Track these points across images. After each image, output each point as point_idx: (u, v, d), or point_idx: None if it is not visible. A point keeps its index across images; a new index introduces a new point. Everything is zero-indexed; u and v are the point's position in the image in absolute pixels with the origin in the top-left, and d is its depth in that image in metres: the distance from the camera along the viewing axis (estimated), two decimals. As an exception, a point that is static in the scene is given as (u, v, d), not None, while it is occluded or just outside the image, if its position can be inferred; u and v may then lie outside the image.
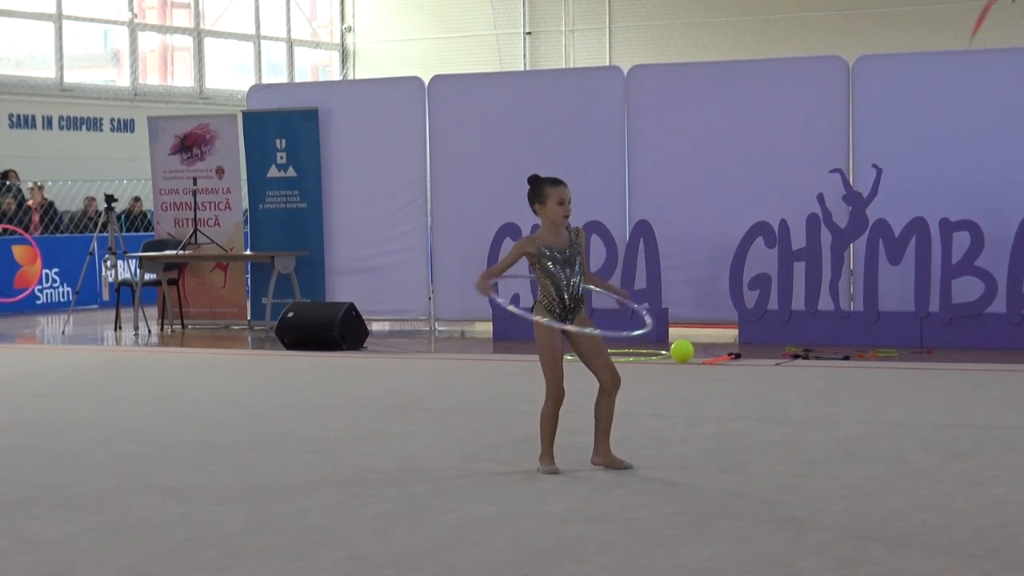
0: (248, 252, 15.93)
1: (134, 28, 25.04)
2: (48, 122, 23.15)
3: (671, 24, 27.61)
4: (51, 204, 20.99)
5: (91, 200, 21.17)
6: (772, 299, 13.18)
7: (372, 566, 5.63)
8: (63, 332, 16.32)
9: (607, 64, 25.52)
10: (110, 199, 15.97)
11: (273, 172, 15.70)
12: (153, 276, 16.05)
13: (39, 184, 20.84)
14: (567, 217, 7.23)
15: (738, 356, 12.07)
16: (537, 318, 7.23)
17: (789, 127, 13.72)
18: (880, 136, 13.39)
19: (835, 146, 13.55)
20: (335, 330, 13.37)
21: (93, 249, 16.73)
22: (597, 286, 7.69)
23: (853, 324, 12.92)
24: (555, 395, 7.31)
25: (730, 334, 13.63)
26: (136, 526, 6.35)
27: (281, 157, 15.65)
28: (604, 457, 7.44)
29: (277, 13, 28.31)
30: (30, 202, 20.52)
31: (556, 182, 7.24)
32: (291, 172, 15.62)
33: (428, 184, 15.11)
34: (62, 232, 20.66)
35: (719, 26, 27.13)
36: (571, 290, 7.23)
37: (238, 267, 16.13)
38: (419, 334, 15.07)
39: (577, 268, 7.24)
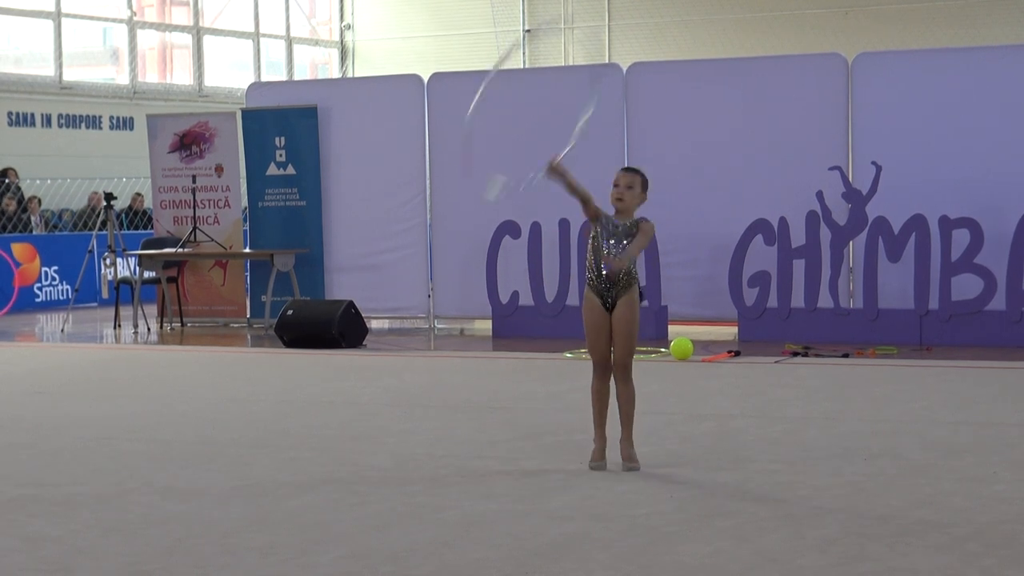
0: (247, 250, 15.94)
1: (133, 26, 25.03)
2: (47, 120, 23.14)
3: (670, 21, 27.60)
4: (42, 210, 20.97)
5: (95, 195, 21.17)
6: (772, 296, 13.17)
7: (371, 563, 5.63)
8: (62, 330, 16.33)
9: (606, 61, 25.50)
10: (109, 197, 15.98)
11: (272, 170, 15.70)
12: (152, 274, 16.06)
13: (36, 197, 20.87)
14: (618, 200, 7.40)
15: (737, 354, 12.07)
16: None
17: (789, 124, 13.71)
18: (879, 133, 13.39)
19: (834, 143, 13.55)
20: (334, 328, 13.36)
21: (92, 247, 16.73)
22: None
23: (852, 321, 12.91)
24: (595, 366, 7.48)
25: (730, 331, 13.63)
26: (135, 524, 6.34)
27: (280, 155, 15.65)
28: (622, 446, 7.43)
29: (276, 11, 28.29)
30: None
31: (624, 169, 7.59)
32: (290, 170, 15.62)
33: (427, 182, 15.12)
34: (61, 230, 20.65)
35: (718, 23, 27.12)
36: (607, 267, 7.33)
37: (237, 265, 16.12)
38: (418, 332, 15.07)
39: (621, 247, 7.32)
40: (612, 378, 7.48)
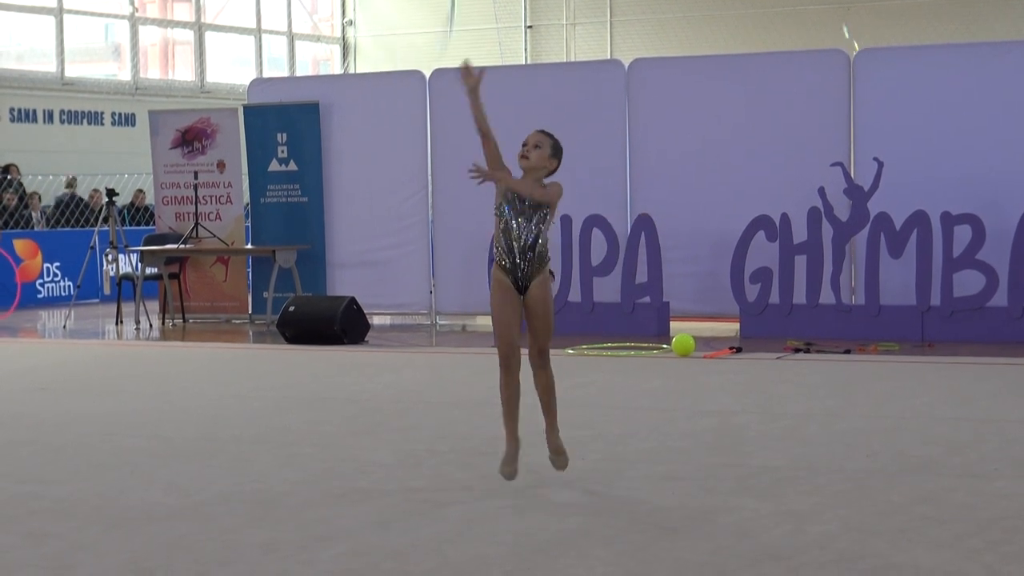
0: (249, 246, 15.94)
1: (135, 22, 25.03)
2: (49, 116, 23.14)
3: (672, 17, 27.58)
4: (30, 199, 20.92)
5: (96, 192, 21.16)
6: (773, 293, 13.17)
7: (373, 560, 5.63)
8: (64, 326, 16.33)
9: (608, 58, 25.49)
10: (111, 193, 15.98)
11: (274, 166, 15.70)
12: (154, 270, 16.07)
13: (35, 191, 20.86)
14: (523, 158, 6.90)
15: (739, 350, 12.06)
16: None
17: (790, 120, 13.71)
18: (881, 129, 13.38)
19: (836, 139, 13.55)
20: (336, 324, 13.36)
21: (94, 243, 16.74)
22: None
23: (854, 318, 12.91)
24: (501, 359, 6.79)
25: (731, 328, 13.62)
26: (137, 520, 6.34)
27: (282, 151, 15.64)
28: (548, 437, 6.96)
29: (278, 7, 28.29)
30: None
31: (538, 130, 7.02)
32: (292, 166, 15.62)
33: (429, 178, 15.11)
34: (63, 226, 20.64)
35: (720, 19, 27.10)
36: (521, 243, 6.75)
37: (239, 261, 16.13)
38: (420, 328, 15.07)
39: (534, 224, 6.77)
40: (525, 369, 6.78)
